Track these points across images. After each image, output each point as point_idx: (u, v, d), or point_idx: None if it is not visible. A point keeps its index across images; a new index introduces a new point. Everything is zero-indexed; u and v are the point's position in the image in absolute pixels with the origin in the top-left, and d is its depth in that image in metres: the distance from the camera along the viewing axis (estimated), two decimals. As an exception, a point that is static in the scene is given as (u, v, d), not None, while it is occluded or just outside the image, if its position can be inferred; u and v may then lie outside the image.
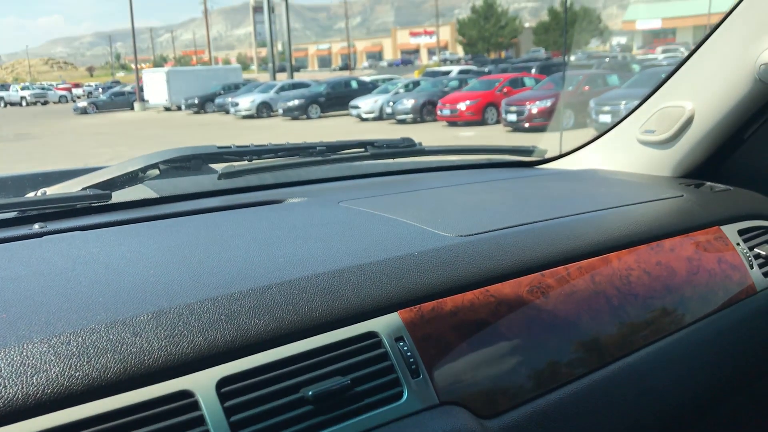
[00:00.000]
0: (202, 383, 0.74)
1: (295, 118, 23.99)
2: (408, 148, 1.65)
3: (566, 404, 1.01)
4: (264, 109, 25.97)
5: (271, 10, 45.70)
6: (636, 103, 1.79)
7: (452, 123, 18.46)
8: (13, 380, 0.66)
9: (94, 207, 1.28)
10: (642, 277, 1.21)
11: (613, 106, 13.47)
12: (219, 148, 1.42)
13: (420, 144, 1.68)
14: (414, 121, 19.95)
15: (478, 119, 17.93)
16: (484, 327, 0.98)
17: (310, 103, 24.11)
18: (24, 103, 46.26)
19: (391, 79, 29.50)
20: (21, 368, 0.67)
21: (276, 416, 0.76)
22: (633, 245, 1.24)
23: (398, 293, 0.93)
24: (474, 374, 0.94)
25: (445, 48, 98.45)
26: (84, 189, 1.26)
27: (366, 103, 21.99)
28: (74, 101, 43.86)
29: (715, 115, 1.58)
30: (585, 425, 1.04)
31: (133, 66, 50.41)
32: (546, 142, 2.07)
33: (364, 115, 21.76)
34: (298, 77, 45.01)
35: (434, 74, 30.51)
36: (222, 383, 0.75)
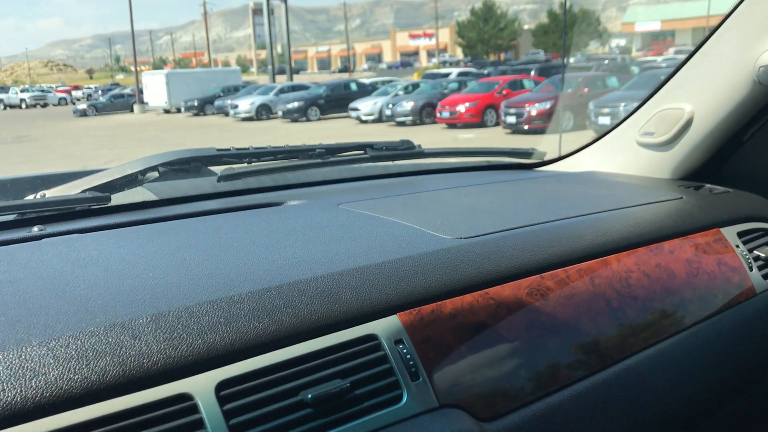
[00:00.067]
0: (201, 386, 0.74)
1: (294, 121, 24.00)
2: (407, 150, 1.65)
3: (566, 407, 1.01)
4: (263, 112, 25.98)
5: (270, 12, 45.76)
6: (635, 105, 1.79)
7: (451, 125, 18.46)
8: (12, 383, 0.65)
9: (93, 209, 1.28)
10: (641, 280, 1.21)
11: (612, 108, 13.49)
12: (218, 150, 1.42)
13: (419, 146, 1.68)
14: (413, 123, 19.96)
15: (477, 121, 17.94)
16: (483, 329, 0.98)
17: (310, 106, 24.12)
18: (23, 106, 46.25)
19: (391, 81, 29.50)
20: (20, 371, 0.67)
21: (275, 419, 0.76)
22: (632, 247, 1.24)
23: (398, 296, 0.93)
24: (473, 377, 0.94)
25: (445, 50, 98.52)
26: (83, 191, 1.26)
27: (365, 106, 22.00)
28: (74, 103, 43.86)
29: (715, 117, 1.58)
30: (585, 427, 1.04)
31: (132, 68, 50.43)
32: (545, 144, 2.07)
33: (364, 117, 21.77)
34: (298, 79, 45.10)
35: (434, 76, 30.55)
36: (221, 386, 0.75)
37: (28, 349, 0.69)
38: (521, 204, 1.41)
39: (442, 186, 1.61)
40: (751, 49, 1.47)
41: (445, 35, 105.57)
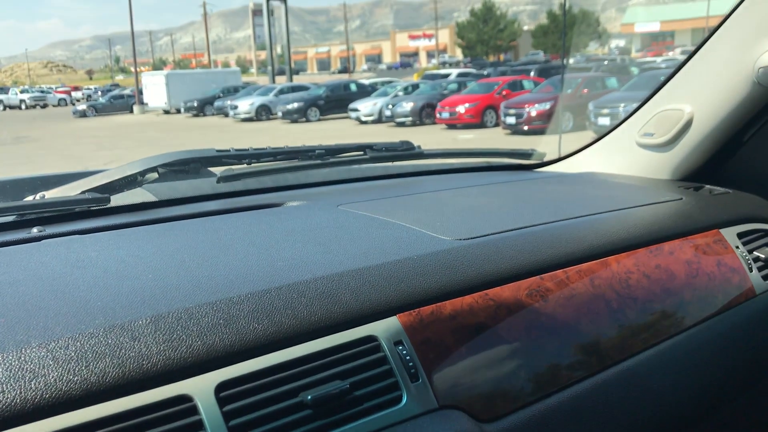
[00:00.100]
0: (200, 387, 0.74)
1: (294, 121, 24.01)
2: (407, 151, 1.65)
3: (565, 408, 1.01)
4: (263, 112, 25.99)
5: (270, 13, 45.79)
6: (635, 106, 1.80)
7: (451, 126, 18.47)
8: (11, 385, 0.65)
9: (93, 210, 1.28)
10: (641, 281, 1.21)
11: (611, 108, 13.49)
12: (218, 151, 1.42)
13: (419, 147, 1.68)
14: (413, 124, 19.96)
15: (477, 122, 17.94)
16: (483, 331, 0.97)
17: (310, 106, 24.13)
18: (23, 107, 46.24)
19: (390, 82, 29.50)
20: (19, 373, 0.67)
21: (275, 420, 0.76)
22: (632, 248, 1.24)
23: (397, 297, 0.93)
24: (473, 378, 0.93)
25: (444, 51, 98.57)
26: (83, 192, 1.26)
27: (365, 106, 22.01)
28: (73, 104, 43.87)
29: (714, 118, 1.58)
30: (584, 428, 1.04)
31: (132, 69, 50.45)
32: (545, 145, 2.07)
33: (364, 118, 21.78)
34: (298, 80, 45.11)
35: (433, 77, 30.56)
36: (221, 387, 0.75)
37: (28, 351, 0.69)
38: (521, 205, 1.41)
39: (441, 187, 1.61)
40: (750, 51, 1.47)
41: (445, 36, 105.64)
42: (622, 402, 1.10)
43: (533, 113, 15.64)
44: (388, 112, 20.77)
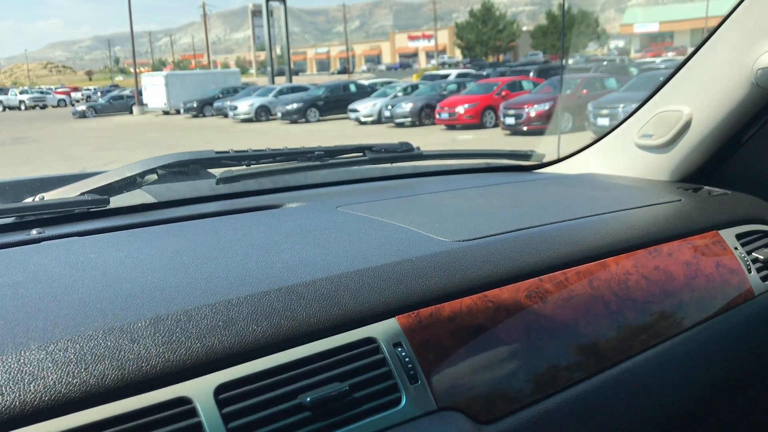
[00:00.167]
0: (199, 390, 0.74)
1: (293, 122, 24.01)
2: (406, 152, 1.65)
3: (564, 409, 1.01)
4: (263, 113, 25.99)
5: (269, 13, 45.80)
6: (634, 106, 1.80)
7: (450, 126, 18.47)
8: (10, 387, 0.65)
9: (92, 212, 1.28)
10: (640, 282, 1.21)
11: (611, 109, 13.50)
12: (217, 152, 1.42)
13: (418, 148, 1.68)
14: (412, 125, 19.97)
15: (476, 122, 17.94)
16: (482, 332, 0.98)
17: (309, 107, 24.14)
18: (23, 107, 46.23)
19: (390, 82, 29.51)
20: (18, 375, 0.67)
21: (274, 422, 0.76)
22: (631, 250, 1.24)
23: (396, 299, 0.93)
24: (472, 379, 0.94)
25: (444, 51, 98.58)
26: (82, 194, 1.26)
27: (365, 107, 22.01)
28: (73, 105, 43.89)
29: (713, 119, 1.58)
30: (583, 429, 1.04)
31: (131, 70, 50.44)
32: (544, 146, 2.07)
33: (363, 119, 21.78)
34: (297, 81, 45.13)
35: (433, 78, 30.56)
36: (220, 389, 0.75)
37: (27, 353, 0.69)
38: (520, 206, 1.41)
39: (440, 188, 1.61)
40: (749, 52, 1.47)
41: (444, 37, 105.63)
42: (621, 403, 1.10)
43: (532, 114, 15.64)
44: (387, 113, 20.78)
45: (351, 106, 22.62)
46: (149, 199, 1.39)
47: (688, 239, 1.36)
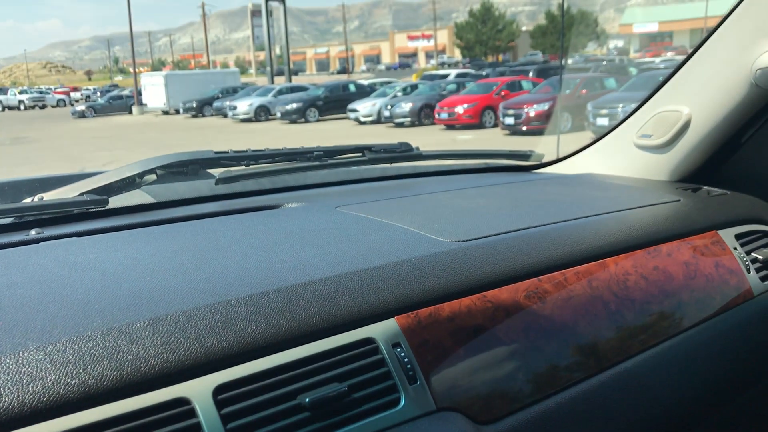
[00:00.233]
0: (198, 390, 0.74)
1: (293, 122, 24.01)
2: (405, 152, 1.65)
3: (563, 409, 1.01)
4: (262, 113, 25.99)
5: (269, 13, 45.78)
6: (633, 106, 1.80)
7: (450, 126, 18.47)
8: (9, 388, 0.65)
9: (91, 212, 1.28)
10: (639, 282, 1.21)
11: (610, 109, 13.51)
12: (216, 153, 1.42)
13: (417, 148, 1.68)
14: (412, 125, 19.97)
15: (475, 122, 17.94)
16: (481, 332, 0.98)
17: (309, 107, 24.13)
18: (22, 107, 46.22)
19: (389, 82, 29.51)
20: (16, 376, 0.67)
21: (273, 423, 0.76)
22: (630, 250, 1.24)
23: (395, 299, 0.93)
24: (471, 380, 0.94)
25: (443, 51, 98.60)
26: (81, 194, 1.26)
27: (364, 107, 22.01)
28: (72, 105, 43.89)
29: (712, 119, 1.58)
30: (582, 430, 1.04)
31: (131, 70, 50.42)
32: (543, 146, 2.07)
33: (362, 119, 21.78)
34: (296, 81, 45.12)
35: (432, 78, 30.57)
36: (219, 390, 0.75)
37: (26, 354, 0.69)
38: (519, 206, 1.41)
39: (440, 188, 1.61)
40: (748, 52, 1.47)
41: (444, 37, 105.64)
42: (621, 403, 1.10)
43: (532, 114, 15.64)
44: (386, 113, 20.77)
45: (350, 106, 22.61)
46: (148, 199, 1.39)
47: (687, 239, 1.36)
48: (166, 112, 33.77)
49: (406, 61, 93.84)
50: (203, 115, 30.01)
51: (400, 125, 20.19)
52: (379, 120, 21.33)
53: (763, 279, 1.42)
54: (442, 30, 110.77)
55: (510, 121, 16.08)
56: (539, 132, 15.03)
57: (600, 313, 1.12)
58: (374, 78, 41.43)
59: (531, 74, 22.89)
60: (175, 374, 0.73)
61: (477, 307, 0.99)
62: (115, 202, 1.30)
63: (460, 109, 18.15)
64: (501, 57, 67.41)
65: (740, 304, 1.35)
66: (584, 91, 16.06)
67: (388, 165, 1.71)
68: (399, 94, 22.68)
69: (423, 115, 19.93)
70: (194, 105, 30.56)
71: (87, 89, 60.55)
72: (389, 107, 20.75)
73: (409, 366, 0.88)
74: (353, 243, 1.09)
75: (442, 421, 0.87)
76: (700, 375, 1.27)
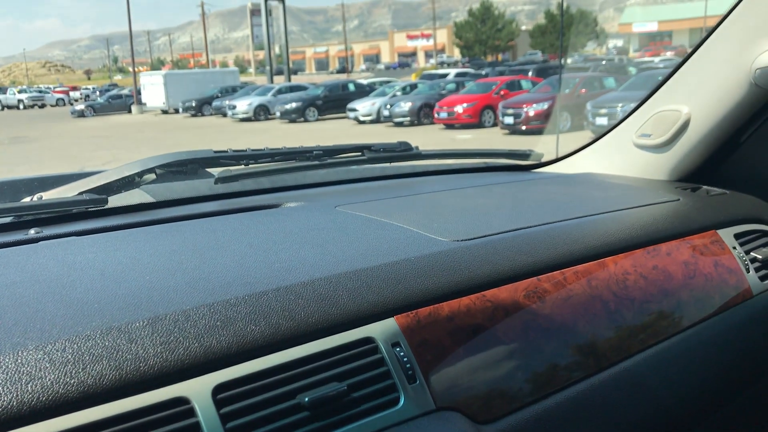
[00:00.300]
0: (197, 390, 0.74)
1: (292, 121, 24.00)
2: (405, 152, 1.65)
3: (563, 409, 1.01)
4: (261, 112, 25.98)
5: (268, 13, 45.75)
6: (632, 106, 1.80)
7: (449, 126, 18.47)
8: (8, 387, 0.65)
9: (90, 212, 1.28)
10: (638, 281, 1.21)
11: (609, 108, 13.51)
12: (215, 152, 1.42)
13: (417, 148, 1.68)
14: (411, 124, 19.97)
15: (475, 122, 17.95)
16: (480, 332, 0.98)
17: (308, 106, 24.13)
18: (21, 106, 46.23)
19: (389, 81, 29.50)
20: (16, 375, 0.67)
21: (272, 422, 0.76)
22: (629, 249, 1.24)
23: (395, 298, 0.93)
24: (471, 379, 0.94)
25: (443, 51, 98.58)
26: (80, 194, 1.26)
27: (363, 106, 22.01)
28: (71, 104, 43.86)
29: (711, 119, 1.58)
30: (582, 429, 1.04)
31: (130, 69, 50.39)
32: (543, 145, 2.07)
33: (362, 118, 21.78)
34: (296, 80, 45.11)
35: (431, 77, 30.57)
36: (218, 390, 0.75)
37: (25, 353, 0.69)
38: (518, 206, 1.41)
39: (439, 188, 1.61)
40: (747, 52, 1.47)
41: (443, 36, 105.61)
42: (620, 403, 1.10)
43: (531, 113, 15.64)
44: (386, 112, 20.77)
45: (350, 106, 22.61)
46: (147, 198, 1.39)
47: (686, 239, 1.36)
48: (165, 112, 33.74)
49: (406, 61, 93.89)
50: (202, 115, 30.00)
51: (400, 125, 20.18)
52: (378, 119, 21.32)
53: (762, 278, 1.43)
54: (442, 29, 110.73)
55: (509, 120, 16.08)
56: (538, 131, 15.03)
57: (599, 313, 1.12)
58: (373, 77, 41.41)
59: (530, 74, 22.89)
60: (175, 374, 0.73)
61: (476, 307, 0.99)
62: (115, 201, 1.30)
63: (459, 109, 18.15)
64: (500, 56, 67.42)
65: (739, 304, 1.35)
66: (583, 90, 16.06)
67: (387, 164, 1.71)
68: (398, 93, 22.68)
69: (422, 115, 19.92)
70: (193, 104, 30.54)
71: (86, 88, 60.52)
72: (388, 106, 20.75)
73: (408, 365, 0.88)
74: (352, 242, 1.09)
75: (441, 420, 0.87)
76: (699, 374, 1.27)
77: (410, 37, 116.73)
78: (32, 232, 1.14)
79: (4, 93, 50.02)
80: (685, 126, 1.62)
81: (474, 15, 66.26)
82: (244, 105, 26.23)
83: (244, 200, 1.45)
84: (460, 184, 1.65)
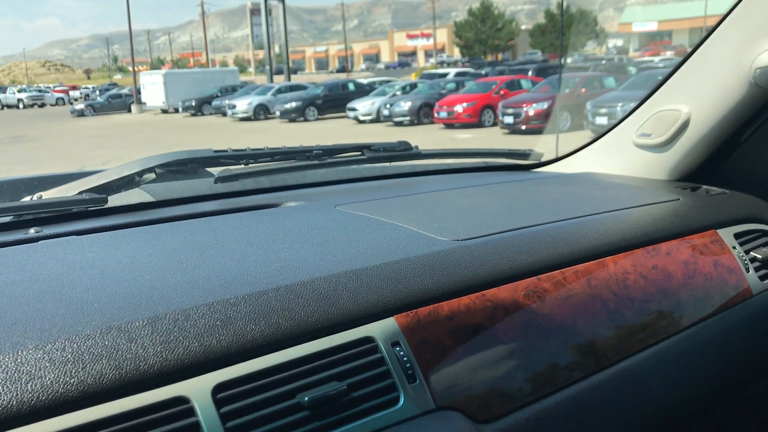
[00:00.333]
0: (197, 389, 0.74)
1: (292, 121, 23.99)
2: (405, 151, 1.65)
3: (563, 408, 1.01)
4: (261, 112, 25.97)
5: (268, 12, 45.74)
6: (632, 105, 1.80)
7: (449, 125, 18.47)
8: (8, 387, 0.65)
9: (90, 211, 1.28)
10: (638, 281, 1.21)
11: (609, 108, 13.51)
12: (215, 151, 1.42)
13: (417, 147, 1.68)
14: (411, 124, 19.96)
15: (475, 121, 17.94)
16: (480, 331, 0.98)
17: (308, 106, 24.12)
18: (21, 106, 46.20)
19: (389, 81, 29.50)
20: (15, 375, 0.67)
21: (272, 422, 0.76)
22: (629, 249, 1.24)
23: (394, 298, 0.93)
24: (470, 379, 0.94)
25: (442, 50, 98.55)
26: (80, 193, 1.26)
27: (363, 106, 22.00)
28: (71, 103, 43.84)
29: (711, 118, 1.58)
30: (581, 429, 1.04)
31: (130, 68, 50.38)
32: (542, 145, 2.08)
33: (362, 118, 21.77)
34: (296, 79, 45.10)
35: (431, 76, 30.57)
36: (218, 389, 0.75)
37: (24, 353, 0.69)
38: (518, 205, 1.41)
39: (439, 187, 1.61)
40: (747, 51, 1.47)
41: (443, 35, 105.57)
42: (620, 402, 1.10)
43: (531, 113, 15.64)
44: (386, 112, 20.77)
45: (350, 105, 22.60)
46: (147, 198, 1.39)
47: (686, 238, 1.36)
48: (165, 111, 33.72)
49: (406, 60, 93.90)
50: (202, 114, 29.98)
51: (399, 124, 20.18)
52: (378, 119, 21.32)
53: (762, 278, 1.43)
54: (442, 29, 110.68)
55: (509, 120, 16.08)
56: (538, 131, 15.03)
57: (599, 312, 1.12)
58: (373, 77, 41.37)
59: (530, 73, 22.87)
60: (174, 373, 0.73)
61: (476, 306, 0.99)
62: (114, 200, 1.30)
63: (459, 108, 18.14)
64: (500, 56, 67.42)
65: (739, 304, 1.35)
66: (583, 90, 16.06)
67: (387, 164, 1.71)
68: (398, 92, 22.68)
69: (422, 114, 19.92)
70: (193, 104, 30.53)
71: (86, 88, 60.53)
72: (388, 106, 20.75)
73: (408, 365, 0.88)
74: (352, 242, 1.09)
75: (441, 419, 0.87)
76: (699, 374, 1.27)
77: (410, 37, 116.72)
78: (32, 231, 1.14)
79: (4, 92, 49.97)
80: (685, 126, 1.62)
81: (474, 14, 66.26)
82: (243, 104, 26.22)
83: (244, 200, 1.45)
84: (459, 184, 1.65)
